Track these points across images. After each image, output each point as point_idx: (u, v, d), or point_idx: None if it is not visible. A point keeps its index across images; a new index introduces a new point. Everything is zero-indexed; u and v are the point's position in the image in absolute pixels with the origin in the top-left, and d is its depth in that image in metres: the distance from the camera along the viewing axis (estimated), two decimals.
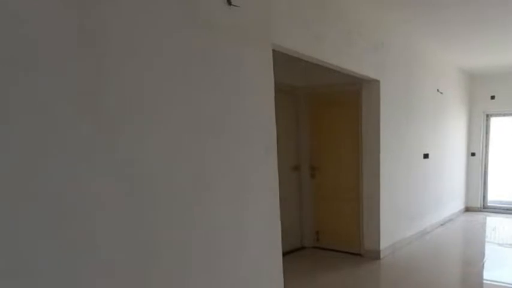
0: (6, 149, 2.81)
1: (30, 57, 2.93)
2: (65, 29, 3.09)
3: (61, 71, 3.07)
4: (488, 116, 13.34)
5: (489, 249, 9.24)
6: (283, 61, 6.15)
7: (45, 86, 2.99)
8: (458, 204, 12.99)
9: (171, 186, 3.92)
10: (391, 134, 8.29)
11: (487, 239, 10.11)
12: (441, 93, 10.63)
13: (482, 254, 8.77)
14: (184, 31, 4.00)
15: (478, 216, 12.73)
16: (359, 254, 8.41)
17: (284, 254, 5.63)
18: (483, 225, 11.59)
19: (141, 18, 3.59)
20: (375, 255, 8.17)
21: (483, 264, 7.98)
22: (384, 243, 8.28)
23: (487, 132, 13.41)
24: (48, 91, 3.01)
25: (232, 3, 4.45)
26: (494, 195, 13.80)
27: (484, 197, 13.67)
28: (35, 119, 2.96)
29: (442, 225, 11.17)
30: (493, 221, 12.08)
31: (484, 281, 7.24)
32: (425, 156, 10.09)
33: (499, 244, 9.62)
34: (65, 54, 3.10)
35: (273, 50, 5.19)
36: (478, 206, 13.57)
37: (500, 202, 13.67)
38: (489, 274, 7.55)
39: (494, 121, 13.44)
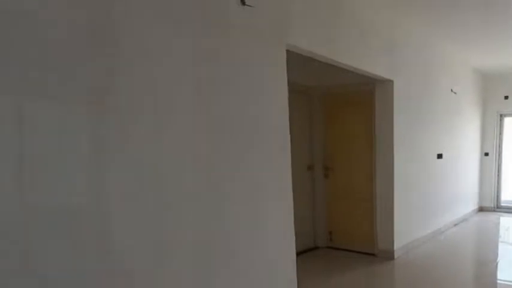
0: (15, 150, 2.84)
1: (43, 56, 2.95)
2: (75, 28, 3.10)
3: (72, 71, 3.08)
4: (502, 116, 13.15)
5: (503, 249, 9.18)
6: (297, 61, 6.07)
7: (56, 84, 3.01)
8: (472, 204, 12.82)
9: (182, 187, 3.92)
10: (404, 134, 8.20)
11: (500, 239, 10.04)
12: (455, 93, 10.52)
13: (496, 254, 8.66)
14: (195, 31, 3.98)
15: (492, 216, 12.59)
16: (373, 254, 8.32)
17: (297, 254, 5.60)
18: (497, 225, 11.49)
19: (151, 18, 3.59)
20: (389, 255, 8.08)
21: (497, 264, 7.89)
22: (398, 243, 8.19)
23: (500, 133, 13.22)
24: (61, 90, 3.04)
25: (246, 3, 4.41)
26: (508, 195, 13.62)
27: (498, 197, 13.47)
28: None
29: (455, 225, 11.03)
30: (506, 221, 11.99)
31: (498, 281, 7.16)
32: (439, 156, 9.97)
33: None
34: (77, 54, 3.11)
35: (287, 50, 5.15)
36: (491, 206, 13.39)
37: None
38: (503, 274, 7.49)
39: (508, 121, 13.25)
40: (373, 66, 7.11)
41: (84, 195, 3.19)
